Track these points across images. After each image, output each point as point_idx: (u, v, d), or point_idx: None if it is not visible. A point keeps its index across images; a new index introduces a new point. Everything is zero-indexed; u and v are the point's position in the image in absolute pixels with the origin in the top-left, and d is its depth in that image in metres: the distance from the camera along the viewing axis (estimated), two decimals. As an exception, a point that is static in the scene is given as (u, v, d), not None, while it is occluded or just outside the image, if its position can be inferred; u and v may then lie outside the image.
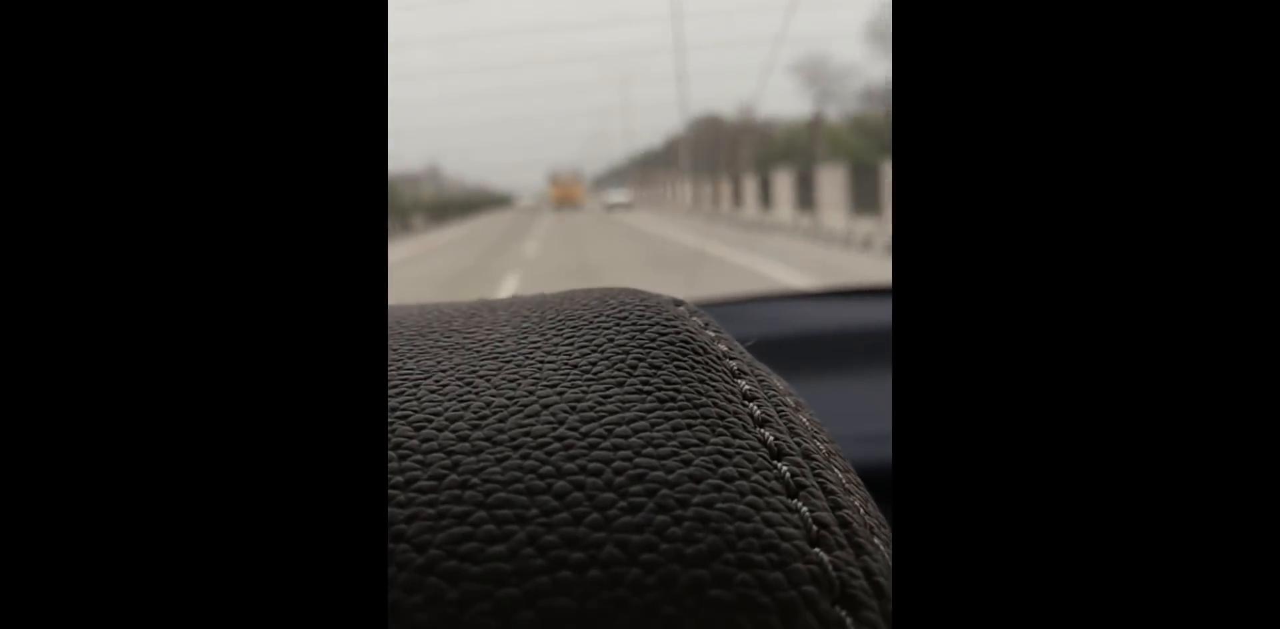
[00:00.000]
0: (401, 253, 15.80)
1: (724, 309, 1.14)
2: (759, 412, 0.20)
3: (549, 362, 0.21)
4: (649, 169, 60.49)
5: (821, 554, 0.16)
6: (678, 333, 0.22)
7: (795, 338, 1.03)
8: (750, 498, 0.17)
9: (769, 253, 11.41)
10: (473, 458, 0.17)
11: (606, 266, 10.99)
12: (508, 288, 8.42)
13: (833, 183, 15.88)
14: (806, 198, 17.42)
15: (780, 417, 0.20)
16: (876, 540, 0.18)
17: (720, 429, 0.19)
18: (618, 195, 43.60)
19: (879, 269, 9.09)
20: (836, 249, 11.76)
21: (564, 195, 47.85)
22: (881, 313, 1.10)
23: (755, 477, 0.17)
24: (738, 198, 24.62)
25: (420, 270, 11.72)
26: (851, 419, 0.68)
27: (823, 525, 0.17)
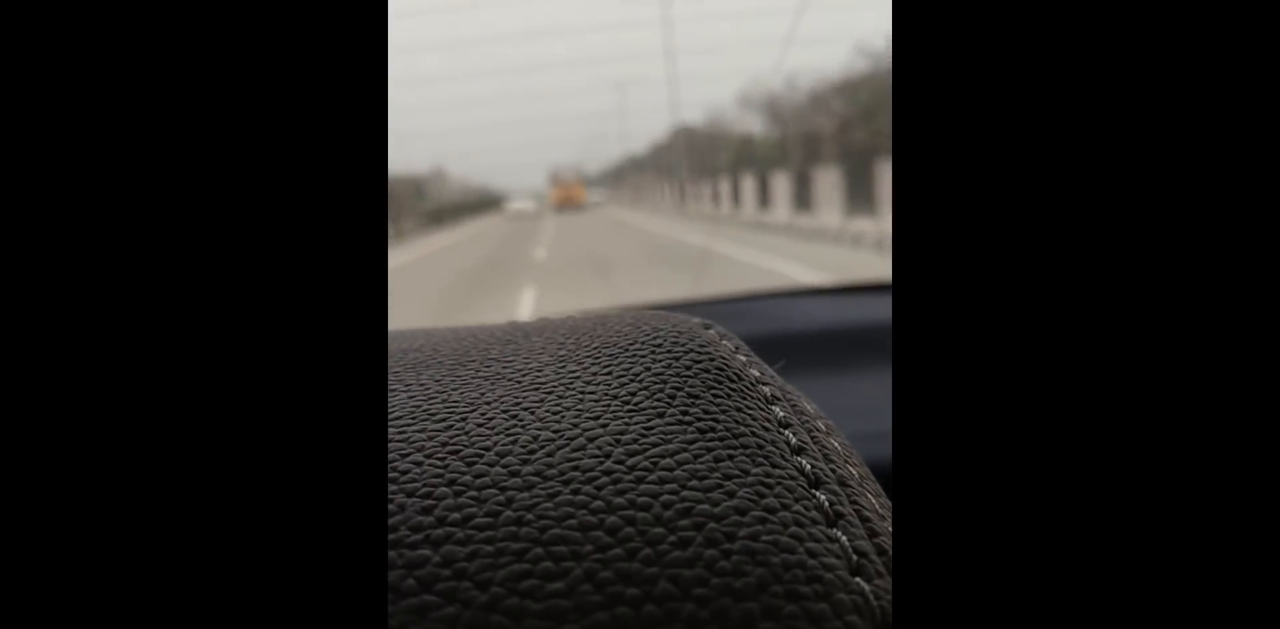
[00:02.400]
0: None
1: (728, 307, 1.15)
2: (795, 439, 0.20)
3: (589, 392, 0.22)
4: (631, 172, 67.68)
5: (862, 584, 0.16)
6: (712, 360, 0.23)
7: (801, 335, 1.01)
8: (793, 529, 0.17)
9: (684, 231, 16.07)
10: (525, 494, 0.17)
11: (588, 228, 20.00)
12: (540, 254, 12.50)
13: (745, 187, 25.37)
14: (736, 197, 26.77)
15: (814, 443, 0.20)
16: None
17: (760, 459, 0.19)
18: (594, 195, 62.31)
19: (753, 236, 12.98)
20: (730, 228, 16.53)
21: (565, 196, 45.22)
22: (887, 309, 1.09)
23: (796, 507, 0.18)
24: (683, 196, 34.26)
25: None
26: (860, 416, 0.69)
27: (861, 554, 0.17)
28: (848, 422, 0.51)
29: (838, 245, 11.30)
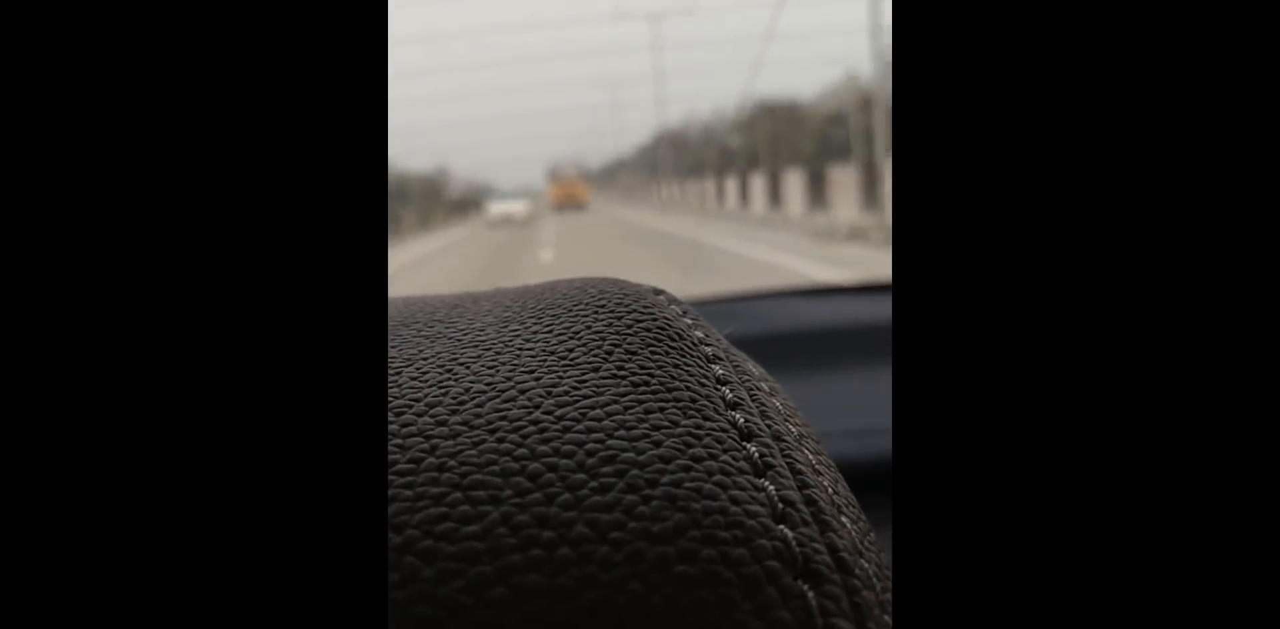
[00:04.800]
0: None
1: (719, 306, 1.15)
2: (731, 395, 0.20)
3: (527, 349, 0.22)
4: (617, 172, 73.84)
5: (786, 531, 0.16)
6: (654, 320, 0.23)
7: (791, 335, 1.00)
8: (718, 477, 0.17)
9: (655, 222, 18.60)
10: (450, 442, 0.18)
11: (581, 215, 26.71)
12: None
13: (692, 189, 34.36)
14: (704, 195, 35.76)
15: (752, 400, 0.20)
16: (844, 518, 0.18)
17: (691, 412, 0.19)
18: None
19: (683, 217, 16.86)
20: (686, 215, 20.73)
21: (566, 194, 41.52)
22: (877, 309, 1.07)
23: (724, 457, 0.18)
24: (661, 195, 43.10)
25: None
26: (847, 415, 0.69)
27: (788, 503, 0.17)
28: (840, 420, 0.57)
29: (732, 221, 18.61)
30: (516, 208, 26.62)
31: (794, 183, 19.25)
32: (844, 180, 16.06)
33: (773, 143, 30.50)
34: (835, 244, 11.19)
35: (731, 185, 25.64)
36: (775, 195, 20.91)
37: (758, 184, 22.51)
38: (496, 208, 27.33)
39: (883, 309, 1.05)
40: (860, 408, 0.69)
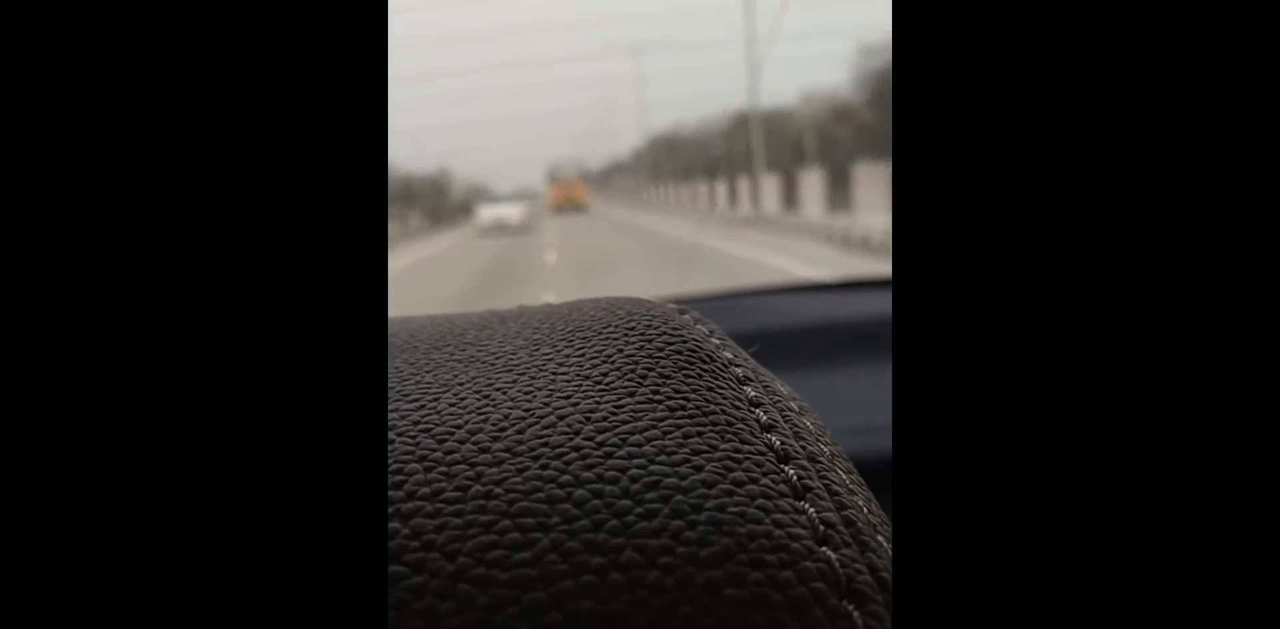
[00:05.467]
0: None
1: (719, 304, 1.16)
2: (765, 417, 0.20)
3: (562, 373, 0.22)
4: (614, 174, 78.61)
5: (828, 552, 0.17)
6: (684, 342, 0.23)
7: (792, 331, 1.01)
8: (760, 501, 0.17)
9: (644, 220, 21.53)
10: (494, 469, 0.18)
11: (578, 214, 32.89)
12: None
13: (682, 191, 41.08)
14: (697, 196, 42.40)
15: (785, 421, 0.21)
16: (880, 537, 0.18)
17: (729, 435, 0.19)
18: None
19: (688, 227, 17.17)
20: (678, 218, 22.88)
21: (565, 196, 41.33)
22: (877, 305, 1.08)
23: (764, 480, 0.18)
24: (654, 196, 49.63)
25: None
26: (849, 412, 0.70)
27: (829, 525, 0.17)
28: (841, 417, 0.56)
29: (689, 215, 24.18)
30: (510, 212, 23.35)
31: (722, 189, 27.86)
32: (743, 187, 23.98)
33: (735, 151, 37.73)
34: (739, 229, 17.66)
35: (699, 188, 32.96)
36: (713, 197, 29.28)
37: (703, 188, 30.18)
38: (487, 212, 23.96)
39: (875, 306, 1.06)
40: (868, 405, 0.71)
